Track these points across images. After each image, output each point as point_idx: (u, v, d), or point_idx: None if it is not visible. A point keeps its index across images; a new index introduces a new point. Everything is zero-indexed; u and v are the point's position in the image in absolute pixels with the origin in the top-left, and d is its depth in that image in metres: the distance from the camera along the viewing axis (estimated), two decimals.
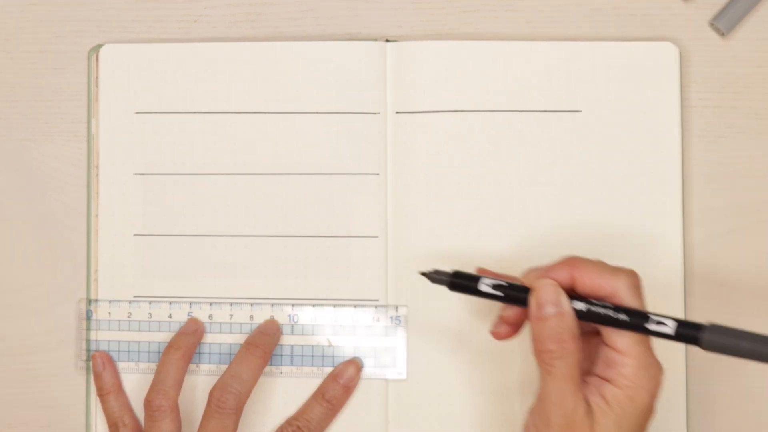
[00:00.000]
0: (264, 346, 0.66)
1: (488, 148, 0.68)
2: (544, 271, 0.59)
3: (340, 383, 0.66)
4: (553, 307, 0.58)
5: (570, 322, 0.57)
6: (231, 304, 0.68)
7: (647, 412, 0.57)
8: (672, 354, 0.67)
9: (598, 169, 0.68)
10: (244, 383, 0.64)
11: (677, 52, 0.68)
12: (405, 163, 0.68)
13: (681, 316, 0.67)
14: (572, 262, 0.59)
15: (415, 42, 0.69)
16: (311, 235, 0.68)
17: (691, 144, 0.69)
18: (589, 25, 0.69)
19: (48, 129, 0.70)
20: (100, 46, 0.69)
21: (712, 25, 0.69)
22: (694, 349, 0.68)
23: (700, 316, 0.68)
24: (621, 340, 0.57)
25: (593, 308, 0.57)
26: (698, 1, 0.70)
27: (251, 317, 0.68)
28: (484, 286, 0.59)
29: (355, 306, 0.68)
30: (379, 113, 0.68)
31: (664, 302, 0.67)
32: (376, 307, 0.67)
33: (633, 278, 0.58)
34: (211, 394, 0.64)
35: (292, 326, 0.68)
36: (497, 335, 0.61)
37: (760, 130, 0.69)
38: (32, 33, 0.71)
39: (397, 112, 0.68)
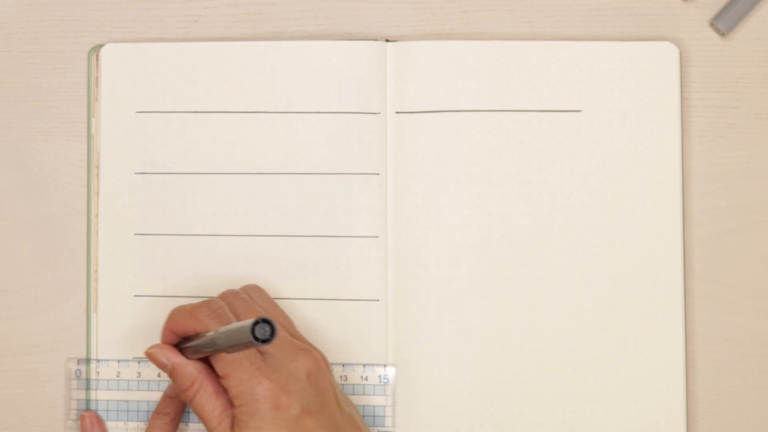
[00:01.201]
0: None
1: (488, 147, 0.68)
2: (160, 344, 0.63)
3: None
4: (166, 365, 0.62)
5: (186, 369, 0.61)
6: None
7: (284, 411, 0.59)
8: (672, 353, 0.67)
9: (598, 168, 0.68)
10: None
11: (677, 52, 0.68)
12: (405, 163, 0.68)
13: (680, 316, 0.67)
14: (168, 319, 0.63)
15: (415, 42, 0.69)
16: (311, 235, 0.68)
17: (691, 144, 0.69)
18: (589, 25, 0.69)
19: (48, 129, 0.70)
20: (100, 45, 0.69)
21: (712, 25, 0.69)
22: (693, 349, 0.68)
23: (700, 316, 0.68)
24: (219, 366, 0.60)
25: (191, 344, 0.62)
26: (698, 1, 0.70)
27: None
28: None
29: (343, 365, 0.67)
30: (379, 113, 0.68)
31: (665, 302, 0.67)
32: (364, 365, 0.67)
33: (210, 307, 0.61)
34: None
35: None
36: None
37: (760, 130, 0.69)
38: (32, 33, 0.70)
39: (397, 112, 0.68)
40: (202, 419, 0.61)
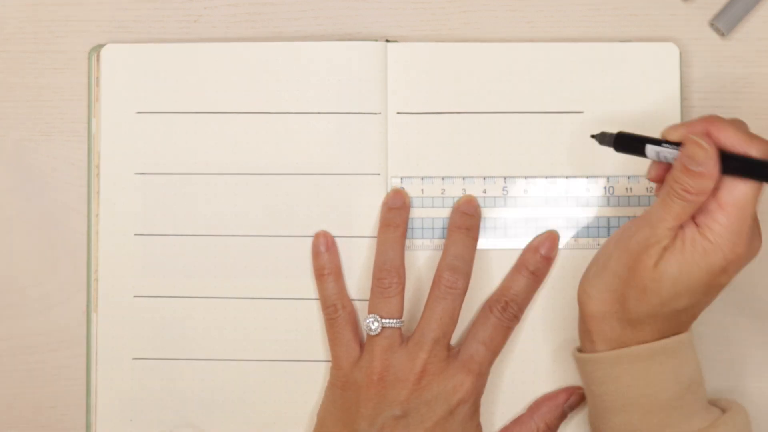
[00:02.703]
0: (475, 228, 0.67)
1: (489, 149, 0.68)
2: (686, 127, 0.59)
3: (541, 254, 0.67)
4: (703, 167, 0.57)
5: (711, 183, 0.57)
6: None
7: (714, 276, 0.58)
8: None
9: (600, 169, 0.68)
10: (468, 263, 0.66)
11: (678, 52, 0.68)
12: (405, 164, 0.68)
13: None
14: (711, 120, 0.59)
15: (415, 42, 0.69)
16: (312, 235, 0.68)
17: None
18: (589, 25, 0.69)
19: (48, 129, 0.70)
20: (101, 46, 0.69)
21: (712, 25, 0.69)
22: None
23: (700, 316, 0.68)
24: (727, 194, 0.57)
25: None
26: (698, 1, 0.70)
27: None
28: (650, 151, 0.60)
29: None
30: (379, 113, 0.68)
31: None
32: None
33: (765, 148, 0.58)
34: (439, 275, 0.65)
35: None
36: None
37: (760, 130, 0.69)
38: (32, 33, 0.70)
39: (397, 113, 0.68)
40: (664, 209, 0.58)
